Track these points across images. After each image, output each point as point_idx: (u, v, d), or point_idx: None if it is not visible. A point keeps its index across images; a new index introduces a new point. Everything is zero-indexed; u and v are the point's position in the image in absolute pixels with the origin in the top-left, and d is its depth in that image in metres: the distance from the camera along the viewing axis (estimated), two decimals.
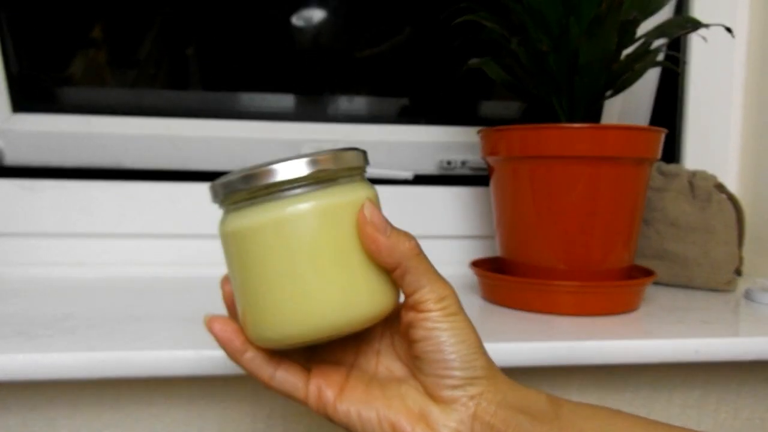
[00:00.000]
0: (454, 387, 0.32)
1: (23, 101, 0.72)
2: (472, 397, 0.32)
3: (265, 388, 0.34)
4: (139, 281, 0.67)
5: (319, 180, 0.31)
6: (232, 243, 0.32)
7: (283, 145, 0.74)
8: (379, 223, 0.31)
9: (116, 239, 0.70)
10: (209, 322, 0.34)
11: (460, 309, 0.33)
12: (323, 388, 0.33)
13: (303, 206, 0.30)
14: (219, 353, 0.44)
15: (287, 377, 0.34)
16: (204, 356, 0.44)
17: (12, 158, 0.71)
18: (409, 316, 0.33)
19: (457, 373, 0.32)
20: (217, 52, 0.77)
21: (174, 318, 0.52)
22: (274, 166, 0.30)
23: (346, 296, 0.31)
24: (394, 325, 0.36)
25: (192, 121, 0.74)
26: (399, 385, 0.34)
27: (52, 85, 0.74)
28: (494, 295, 0.59)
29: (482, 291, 0.62)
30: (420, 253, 0.32)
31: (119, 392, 0.48)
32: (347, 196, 0.31)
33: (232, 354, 0.34)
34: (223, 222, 0.33)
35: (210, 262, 0.71)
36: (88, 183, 0.70)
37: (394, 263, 0.32)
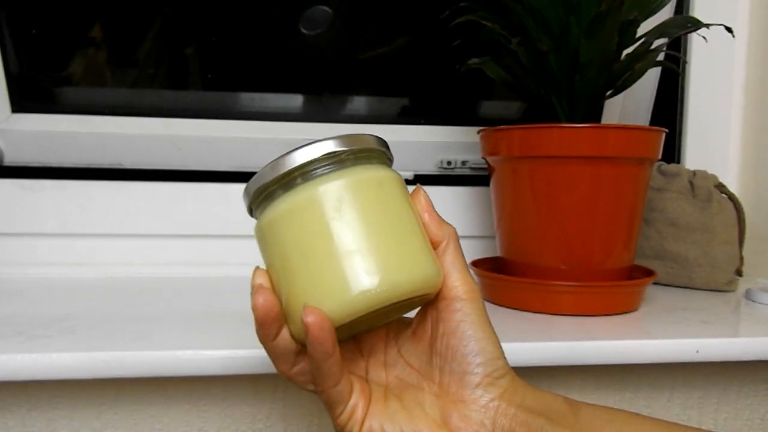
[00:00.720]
0: (476, 385, 0.31)
1: (23, 101, 0.72)
2: (492, 399, 0.31)
3: (286, 377, 0.33)
4: (139, 281, 0.67)
5: (357, 156, 0.32)
6: (278, 228, 0.31)
7: (284, 145, 0.74)
8: (429, 199, 0.34)
9: (116, 239, 0.70)
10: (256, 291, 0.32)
11: (485, 306, 0.33)
12: (359, 404, 0.32)
13: (364, 173, 0.31)
14: (219, 353, 0.44)
15: (343, 386, 0.32)
16: (204, 356, 0.44)
17: (12, 158, 0.71)
18: (437, 305, 0.33)
19: (479, 369, 0.31)
20: (217, 52, 0.77)
21: (174, 318, 0.52)
22: (312, 146, 0.31)
23: (408, 258, 0.31)
24: (398, 334, 0.35)
25: (192, 121, 0.74)
26: (415, 393, 0.33)
27: (52, 85, 0.74)
28: (494, 295, 0.59)
29: (482, 291, 0.62)
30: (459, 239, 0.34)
31: (119, 392, 0.48)
32: (383, 172, 0.32)
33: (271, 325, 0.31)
34: (263, 215, 0.33)
35: (210, 262, 0.71)
36: (88, 183, 0.70)
37: (442, 236, 0.33)
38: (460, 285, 0.32)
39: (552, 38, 0.54)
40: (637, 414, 0.34)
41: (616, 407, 0.36)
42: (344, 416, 0.32)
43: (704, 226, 0.66)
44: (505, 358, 0.33)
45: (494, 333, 0.33)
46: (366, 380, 0.34)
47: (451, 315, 0.32)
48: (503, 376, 0.32)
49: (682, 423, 0.57)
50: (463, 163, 0.78)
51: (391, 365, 0.35)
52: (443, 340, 0.32)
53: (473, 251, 0.76)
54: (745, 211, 0.68)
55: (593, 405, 0.33)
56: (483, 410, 0.31)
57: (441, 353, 0.32)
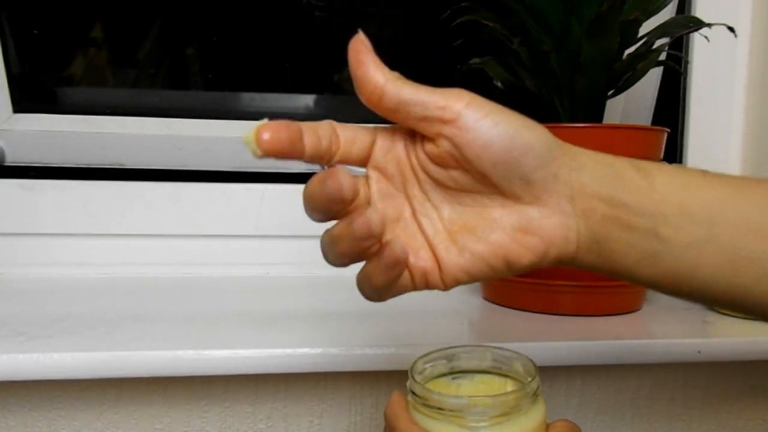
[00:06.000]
0: (535, 169, 0.29)
1: (24, 101, 0.72)
2: (555, 177, 0.29)
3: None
4: (139, 281, 0.67)
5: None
6: None
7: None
8: (370, 45, 0.29)
9: (116, 239, 0.70)
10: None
11: (482, 99, 0.29)
12: (427, 273, 0.30)
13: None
14: (219, 353, 0.44)
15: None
16: (204, 356, 0.44)
17: (12, 158, 0.71)
18: (448, 137, 0.28)
19: (535, 163, 0.29)
20: (218, 52, 0.77)
21: (174, 318, 0.52)
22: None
23: None
24: (424, 183, 0.31)
25: (193, 121, 0.74)
26: (479, 216, 0.30)
27: (53, 85, 0.74)
28: (495, 296, 0.59)
29: (483, 291, 0.62)
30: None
31: (119, 392, 0.48)
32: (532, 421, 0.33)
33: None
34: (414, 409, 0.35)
35: (210, 262, 0.71)
36: (89, 183, 0.70)
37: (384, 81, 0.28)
38: (443, 101, 0.28)
39: (553, 38, 0.54)
40: (707, 173, 0.31)
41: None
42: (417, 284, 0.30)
43: None
44: (545, 132, 0.30)
45: (511, 113, 0.29)
46: (428, 245, 0.31)
47: (458, 133, 0.28)
48: (558, 157, 0.29)
49: (684, 422, 0.57)
50: None
51: (440, 204, 0.31)
52: (480, 161, 0.29)
53: None
54: None
55: (663, 169, 0.30)
56: (556, 195, 0.29)
57: (486, 171, 0.29)
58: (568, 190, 0.30)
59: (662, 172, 0.30)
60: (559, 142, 0.30)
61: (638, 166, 0.30)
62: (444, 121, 0.28)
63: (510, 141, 0.28)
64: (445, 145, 0.29)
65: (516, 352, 0.36)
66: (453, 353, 0.37)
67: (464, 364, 0.37)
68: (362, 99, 0.29)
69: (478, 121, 0.28)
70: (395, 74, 0.29)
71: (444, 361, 0.37)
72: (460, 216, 0.31)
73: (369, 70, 0.28)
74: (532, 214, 0.30)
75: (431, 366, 0.37)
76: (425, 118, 0.29)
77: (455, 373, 0.37)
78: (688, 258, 0.29)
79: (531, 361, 0.35)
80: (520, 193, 0.30)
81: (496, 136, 0.28)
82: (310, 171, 0.74)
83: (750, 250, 0.29)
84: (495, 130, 0.28)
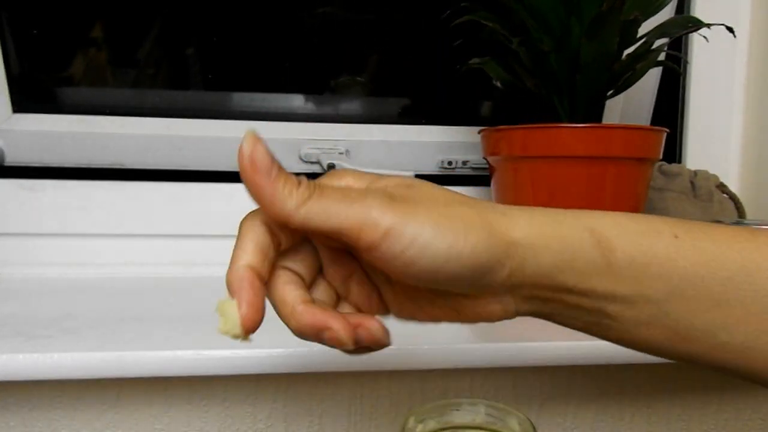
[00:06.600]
0: (465, 289, 0.27)
1: (23, 101, 0.72)
2: (490, 284, 0.26)
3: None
4: (139, 281, 0.67)
5: None
6: None
7: (284, 145, 0.74)
8: (264, 160, 0.25)
9: (116, 239, 0.70)
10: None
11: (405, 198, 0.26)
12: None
13: None
14: (219, 353, 0.44)
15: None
16: (204, 356, 0.44)
17: (12, 158, 0.71)
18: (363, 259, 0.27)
19: (459, 285, 0.26)
20: (218, 52, 0.77)
21: (174, 318, 0.52)
22: None
23: None
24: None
25: (192, 121, 0.74)
26: (414, 307, 0.29)
27: (53, 85, 0.74)
28: None
29: None
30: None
31: (120, 392, 0.48)
32: None
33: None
34: None
35: (210, 262, 0.71)
36: (88, 183, 0.70)
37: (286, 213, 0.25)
38: (362, 230, 0.24)
39: (553, 38, 0.54)
40: (680, 239, 0.27)
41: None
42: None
43: None
44: (484, 241, 0.25)
45: (448, 223, 0.25)
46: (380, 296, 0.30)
47: (387, 264, 0.25)
48: (496, 269, 0.26)
49: (684, 422, 0.57)
50: (464, 163, 0.78)
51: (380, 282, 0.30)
52: (404, 280, 0.26)
53: None
54: (746, 210, 0.68)
55: (627, 241, 0.27)
56: (496, 296, 0.28)
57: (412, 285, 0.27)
58: (507, 287, 0.27)
59: (626, 244, 0.27)
60: (502, 243, 0.26)
61: (600, 239, 0.27)
62: (359, 249, 0.25)
63: (434, 273, 0.25)
64: (366, 258, 0.26)
65: (511, 409, 0.36)
66: (445, 407, 0.37)
67: (457, 419, 0.37)
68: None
69: (396, 256, 0.25)
70: (301, 191, 0.25)
71: (436, 418, 0.36)
72: (402, 288, 0.29)
73: (270, 197, 0.25)
74: (465, 303, 0.29)
75: (423, 424, 0.36)
76: (340, 241, 0.26)
77: (447, 429, 0.37)
78: (637, 332, 0.28)
79: (529, 420, 0.34)
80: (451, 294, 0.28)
81: (420, 271, 0.25)
82: (310, 171, 0.74)
83: (704, 322, 0.27)
84: (417, 266, 0.25)
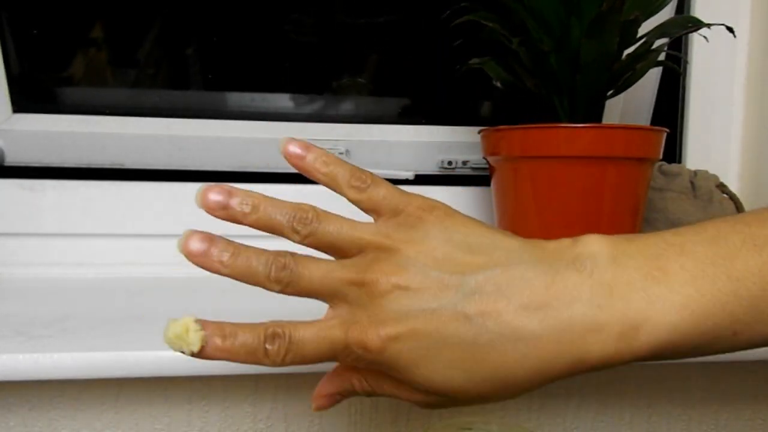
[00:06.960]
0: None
1: (23, 101, 0.72)
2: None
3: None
4: (139, 281, 0.67)
5: None
6: None
7: None
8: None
9: (116, 239, 0.70)
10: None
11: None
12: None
13: None
14: None
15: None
16: None
17: (12, 158, 0.71)
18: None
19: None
20: (218, 52, 0.77)
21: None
22: None
23: None
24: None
25: (192, 121, 0.74)
26: None
27: (53, 85, 0.74)
28: None
29: None
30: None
31: (119, 392, 0.48)
32: None
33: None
34: None
35: None
36: (89, 183, 0.70)
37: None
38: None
39: (553, 38, 0.54)
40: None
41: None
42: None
43: None
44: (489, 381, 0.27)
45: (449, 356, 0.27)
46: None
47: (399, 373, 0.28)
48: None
49: (684, 422, 0.57)
50: (464, 163, 0.78)
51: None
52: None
53: None
54: (747, 210, 0.68)
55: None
56: None
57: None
58: None
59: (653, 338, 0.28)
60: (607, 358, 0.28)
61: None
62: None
63: (436, 395, 0.28)
64: None
65: (524, 428, 0.36)
66: (458, 428, 0.36)
67: None
68: None
69: (405, 369, 0.27)
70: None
71: None
72: None
73: None
74: None
75: None
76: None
77: None
78: None
79: None
80: None
81: (424, 388, 0.27)
82: None
83: None
84: (423, 384, 0.27)
